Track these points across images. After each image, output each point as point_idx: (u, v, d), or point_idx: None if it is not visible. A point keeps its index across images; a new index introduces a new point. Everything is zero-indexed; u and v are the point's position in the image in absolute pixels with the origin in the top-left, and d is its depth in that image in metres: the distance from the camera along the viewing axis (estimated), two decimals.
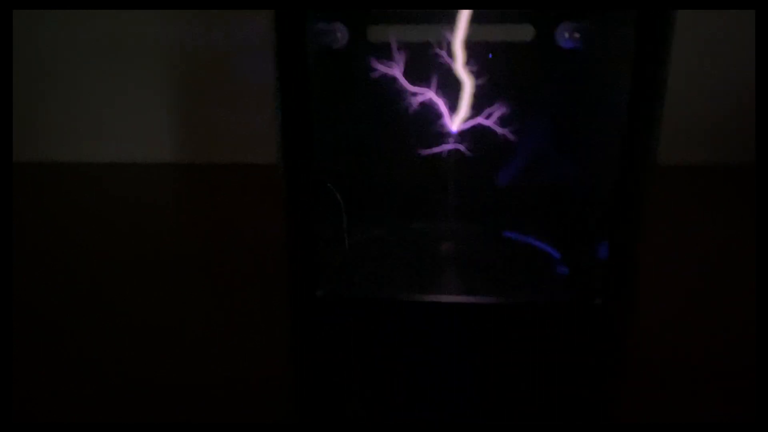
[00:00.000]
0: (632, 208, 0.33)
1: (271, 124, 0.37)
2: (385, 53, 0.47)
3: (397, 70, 0.45)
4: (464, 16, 0.44)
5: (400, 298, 0.35)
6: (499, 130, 0.44)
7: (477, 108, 0.46)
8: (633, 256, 0.32)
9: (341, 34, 0.49)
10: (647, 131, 0.34)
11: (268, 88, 0.38)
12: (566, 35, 0.47)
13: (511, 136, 0.45)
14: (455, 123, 0.44)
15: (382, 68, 0.46)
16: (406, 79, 0.46)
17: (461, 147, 0.45)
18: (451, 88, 0.45)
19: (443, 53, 0.44)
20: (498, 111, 0.45)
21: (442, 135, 0.45)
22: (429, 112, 0.45)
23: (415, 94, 0.45)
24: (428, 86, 0.44)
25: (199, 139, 1.05)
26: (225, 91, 1.00)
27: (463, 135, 0.45)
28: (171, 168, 1.04)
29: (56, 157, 1.05)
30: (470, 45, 0.45)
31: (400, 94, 0.46)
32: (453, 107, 0.45)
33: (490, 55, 0.43)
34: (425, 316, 0.34)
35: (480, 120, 0.44)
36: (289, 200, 0.33)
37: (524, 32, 0.48)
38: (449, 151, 0.45)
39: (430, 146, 0.45)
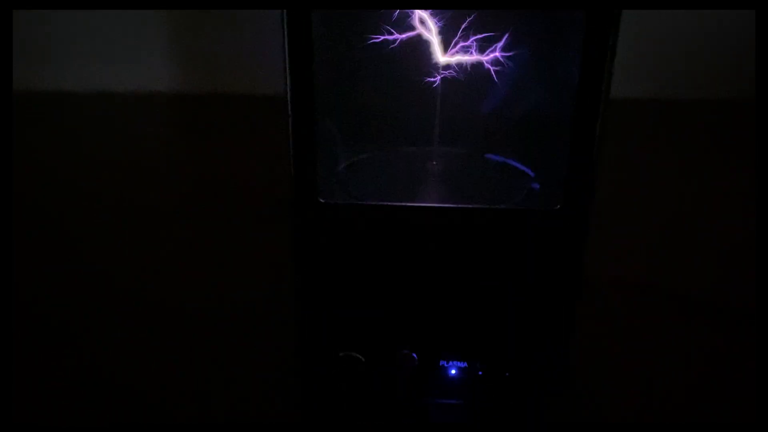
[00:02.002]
0: (588, 135, 0.36)
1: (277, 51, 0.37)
2: None
3: None
4: None
5: (392, 205, 0.39)
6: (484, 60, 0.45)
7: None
8: (590, 170, 0.36)
9: None
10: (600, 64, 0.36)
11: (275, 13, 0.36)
12: None
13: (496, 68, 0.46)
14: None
15: None
16: None
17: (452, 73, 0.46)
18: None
19: None
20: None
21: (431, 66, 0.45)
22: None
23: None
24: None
25: (201, 67, 0.98)
26: (229, 15, 0.93)
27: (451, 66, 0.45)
28: (168, 98, 0.97)
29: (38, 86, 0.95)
30: None
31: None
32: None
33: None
34: (414, 220, 0.39)
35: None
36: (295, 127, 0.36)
37: None
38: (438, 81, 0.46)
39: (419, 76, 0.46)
